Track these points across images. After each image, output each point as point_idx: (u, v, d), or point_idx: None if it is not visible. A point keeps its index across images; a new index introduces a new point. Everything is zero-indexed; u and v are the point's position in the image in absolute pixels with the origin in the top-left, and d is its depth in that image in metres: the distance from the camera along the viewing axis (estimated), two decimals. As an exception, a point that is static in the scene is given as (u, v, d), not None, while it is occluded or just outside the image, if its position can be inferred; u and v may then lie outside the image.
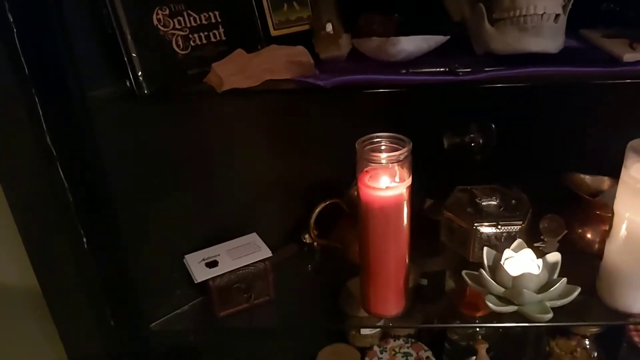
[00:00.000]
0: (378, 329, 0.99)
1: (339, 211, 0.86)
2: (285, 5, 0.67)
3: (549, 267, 0.73)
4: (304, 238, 0.86)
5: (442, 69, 0.60)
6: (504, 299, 0.72)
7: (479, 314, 0.76)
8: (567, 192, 0.85)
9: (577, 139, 0.86)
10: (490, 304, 0.70)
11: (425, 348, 0.96)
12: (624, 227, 0.68)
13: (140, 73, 0.57)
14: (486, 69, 0.59)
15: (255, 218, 0.81)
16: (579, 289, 0.70)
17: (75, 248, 0.63)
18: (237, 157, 0.77)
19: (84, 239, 0.60)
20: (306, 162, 0.84)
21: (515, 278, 0.70)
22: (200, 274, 0.71)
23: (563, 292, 0.70)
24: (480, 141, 0.94)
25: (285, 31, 0.67)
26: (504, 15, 0.61)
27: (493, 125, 0.94)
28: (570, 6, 0.62)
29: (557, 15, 0.59)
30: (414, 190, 0.92)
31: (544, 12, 0.58)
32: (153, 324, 0.74)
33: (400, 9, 0.75)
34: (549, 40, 0.59)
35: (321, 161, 0.86)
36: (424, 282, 0.85)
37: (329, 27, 0.66)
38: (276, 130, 0.81)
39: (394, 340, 0.98)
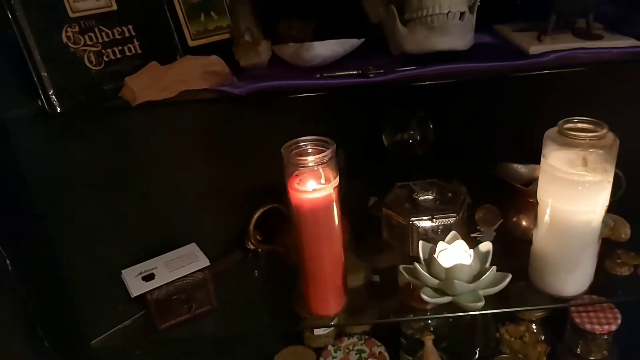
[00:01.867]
0: (332, 329, 1.00)
1: (283, 215, 0.87)
2: (203, 15, 0.67)
3: (481, 257, 0.75)
4: (247, 245, 0.86)
5: (355, 72, 0.61)
6: (439, 291, 0.73)
7: (429, 307, 0.77)
8: (503, 182, 0.87)
9: (509, 130, 0.88)
10: (424, 296, 0.71)
11: (379, 344, 0.98)
12: (547, 214, 0.71)
13: (51, 92, 0.57)
14: (398, 70, 0.60)
15: (195, 228, 0.81)
16: (509, 276, 0.72)
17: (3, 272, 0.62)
18: (170, 168, 0.77)
19: (7, 261, 0.59)
20: (244, 169, 0.85)
21: (447, 269, 0.72)
22: (136, 288, 0.70)
23: (494, 280, 0.72)
24: (418, 137, 0.96)
25: (204, 41, 0.68)
26: (413, 16, 0.62)
27: (429, 121, 0.95)
28: (478, 3, 0.64)
29: (463, 13, 0.60)
30: (359, 189, 0.94)
31: (449, 11, 0.59)
32: (93, 342, 0.74)
33: (322, 13, 0.76)
34: (456, 37, 0.61)
35: (261, 167, 0.86)
36: (376, 278, 0.87)
37: (248, 35, 0.66)
38: (211, 139, 0.81)
39: (348, 339, 0.99)
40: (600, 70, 0.69)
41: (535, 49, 0.62)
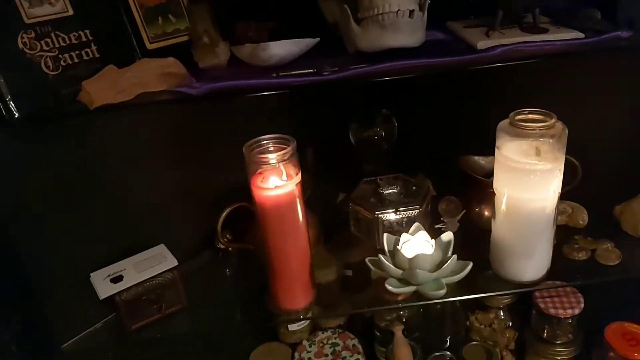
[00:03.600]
0: (306, 324, 1.02)
1: (252, 213, 0.88)
2: (160, 18, 0.68)
3: (443, 247, 0.77)
4: (217, 244, 0.87)
5: (310, 70, 0.62)
6: (403, 281, 0.75)
7: (400, 298, 0.79)
8: (466, 174, 0.90)
9: (469, 124, 0.91)
10: (389, 287, 0.73)
11: (352, 336, 0.99)
12: (503, 203, 0.73)
13: (8, 97, 0.58)
14: (351, 67, 0.62)
15: (163, 230, 0.82)
16: (470, 264, 0.74)
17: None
18: (136, 171, 0.77)
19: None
20: (211, 169, 0.86)
21: (410, 260, 0.74)
22: (104, 290, 0.71)
23: (456, 268, 0.75)
24: (384, 134, 0.98)
25: (162, 44, 0.69)
26: (365, 15, 0.64)
27: (394, 117, 0.97)
28: (428, 1, 0.66)
29: (412, 12, 0.62)
30: (328, 186, 0.96)
31: (399, 9, 0.61)
32: (64, 345, 0.74)
33: (281, 15, 0.77)
34: (407, 35, 0.63)
35: (228, 166, 0.87)
36: (349, 272, 0.88)
37: (206, 37, 0.68)
38: (176, 140, 0.82)
39: (323, 333, 1.00)
40: (549, 62, 0.72)
41: (482, 43, 0.64)
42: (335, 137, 1.00)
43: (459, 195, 0.91)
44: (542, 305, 0.93)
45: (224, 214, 0.82)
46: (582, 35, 0.65)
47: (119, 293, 0.72)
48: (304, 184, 0.72)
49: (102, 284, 0.72)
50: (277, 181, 0.69)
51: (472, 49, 0.65)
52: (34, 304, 0.72)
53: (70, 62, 0.62)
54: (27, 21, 0.60)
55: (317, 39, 0.67)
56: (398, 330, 0.89)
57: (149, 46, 0.68)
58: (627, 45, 0.64)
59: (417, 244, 0.77)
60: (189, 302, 0.79)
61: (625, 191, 0.87)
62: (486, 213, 0.88)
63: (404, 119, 0.96)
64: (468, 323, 1.02)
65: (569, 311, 0.91)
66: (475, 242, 0.83)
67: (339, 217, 0.92)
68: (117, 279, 0.73)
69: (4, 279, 0.66)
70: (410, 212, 0.83)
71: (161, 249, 0.79)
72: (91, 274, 0.75)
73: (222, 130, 0.81)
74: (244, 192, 0.87)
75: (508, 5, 0.66)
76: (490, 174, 0.90)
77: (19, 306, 0.70)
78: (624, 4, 0.66)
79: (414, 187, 0.88)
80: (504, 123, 0.70)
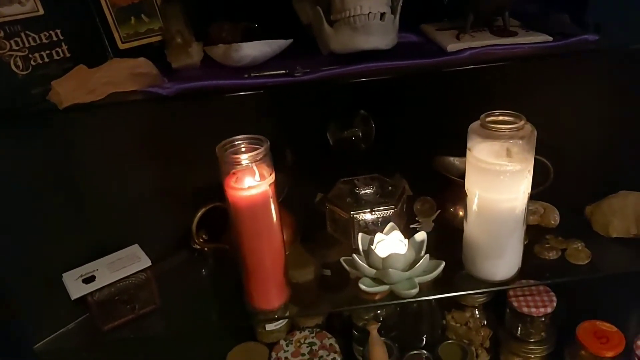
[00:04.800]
0: (284, 324, 1.02)
1: (227, 213, 0.88)
2: (133, 18, 0.68)
3: (416, 246, 0.78)
4: (193, 244, 0.87)
5: (282, 71, 0.63)
6: (377, 280, 0.76)
7: (377, 297, 0.79)
8: (441, 175, 0.91)
9: (444, 125, 0.92)
10: (362, 286, 0.74)
11: (329, 336, 1.00)
12: (475, 203, 0.74)
13: (-24, 97, 0.57)
14: (323, 69, 0.63)
15: (138, 230, 0.81)
16: (443, 263, 0.76)
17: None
18: (108, 171, 0.77)
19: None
20: (185, 170, 0.86)
21: (384, 259, 0.74)
22: (76, 290, 0.71)
23: (428, 267, 0.76)
24: (361, 134, 0.99)
25: (135, 44, 0.69)
26: (338, 17, 0.65)
27: (371, 118, 0.98)
28: (400, 4, 0.67)
29: (383, 14, 0.63)
30: (306, 186, 0.96)
31: (370, 12, 0.62)
32: (36, 345, 0.74)
33: (256, 15, 0.77)
34: (378, 37, 0.63)
35: (202, 167, 0.87)
36: (327, 272, 0.89)
37: (179, 37, 0.68)
38: (149, 141, 0.81)
39: (300, 332, 1.01)
40: (518, 64, 0.73)
41: (452, 46, 0.65)
42: (314, 137, 1.00)
43: (435, 196, 0.92)
44: (515, 304, 0.94)
45: (199, 214, 0.82)
46: (550, 38, 0.67)
47: (91, 293, 0.72)
48: (278, 184, 0.72)
49: (74, 284, 0.72)
50: (251, 181, 0.69)
51: (443, 51, 0.66)
52: (5, 305, 0.71)
53: (41, 62, 0.62)
54: (-5, 20, 0.59)
55: (290, 40, 0.67)
56: (373, 329, 0.90)
57: (121, 46, 0.67)
58: (594, 48, 0.65)
59: (391, 244, 0.77)
60: (163, 302, 0.79)
61: (596, 192, 0.89)
62: (460, 213, 0.89)
63: (381, 119, 0.97)
64: (444, 322, 1.03)
65: (542, 310, 0.93)
66: (450, 241, 0.84)
67: (317, 217, 0.93)
68: (89, 279, 0.73)
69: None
70: (386, 212, 0.84)
71: (135, 249, 0.78)
72: (63, 274, 0.74)
73: (196, 130, 0.81)
74: (219, 192, 0.87)
75: (478, 9, 0.67)
76: (464, 174, 0.92)
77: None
78: (592, 8, 0.68)
79: (390, 188, 0.89)
80: (475, 125, 0.71)
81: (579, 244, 0.83)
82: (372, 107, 0.96)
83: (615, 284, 0.92)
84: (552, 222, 0.88)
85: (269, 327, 1.00)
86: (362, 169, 0.95)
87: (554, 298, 0.94)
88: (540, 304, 0.93)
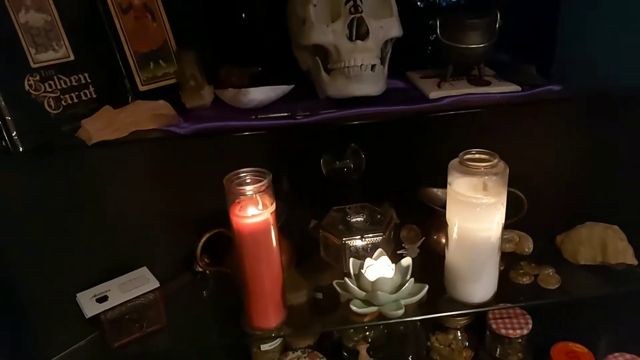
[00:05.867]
0: (278, 344, 1.08)
1: (229, 239, 0.95)
2: (152, 63, 0.76)
3: (402, 270, 0.86)
4: (196, 267, 0.94)
5: (285, 114, 0.71)
6: (367, 302, 0.83)
7: (366, 319, 0.86)
8: (426, 204, 0.99)
9: (428, 159, 1.00)
10: (353, 307, 0.81)
11: (321, 356, 1.06)
12: (455, 232, 0.82)
13: (14, 134, 0.64)
14: (321, 112, 0.71)
15: (147, 253, 0.88)
16: (426, 287, 0.83)
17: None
18: (123, 199, 0.84)
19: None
20: (192, 199, 0.93)
21: (373, 282, 0.82)
22: (90, 309, 0.77)
23: (413, 290, 0.83)
24: (352, 166, 1.07)
25: (153, 86, 0.77)
26: (334, 66, 0.74)
27: (361, 151, 1.07)
28: (389, 56, 0.76)
29: (374, 66, 0.72)
30: (301, 213, 1.04)
31: (362, 64, 0.71)
32: (50, 361, 0.79)
33: (260, 60, 0.86)
34: (369, 85, 0.73)
35: (207, 195, 0.95)
36: (319, 295, 0.95)
37: (193, 81, 0.76)
38: (161, 172, 0.89)
39: (293, 353, 1.07)
40: (490, 110, 0.82)
41: (434, 94, 0.74)
42: (309, 167, 1.08)
43: (420, 223, 1.00)
44: (494, 326, 1.02)
45: (203, 240, 0.89)
46: (519, 88, 0.76)
47: (103, 312, 0.78)
48: (278, 212, 0.80)
49: (89, 303, 0.78)
50: (254, 210, 0.76)
51: (425, 98, 0.75)
52: (22, 321, 0.77)
53: (70, 102, 0.69)
54: (33, 65, 0.67)
55: (292, 86, 0.76)
56: (362, 349, 0.97)
57: (141, 88, 0.76)
58: (558, 98, 0.75)
59: (379, 268, 0.85)
60: (169, 321, 0.85)
61: (566, 222, 0.98)
62: (443, 240, 0.96)
63: (371, 152, 1.06)
64: (429, 343, 1.10)
65: (519, 331, 1.00)
66: (433, 266, 0.91)
67: (311, 242, 1.00)
68: (102, 299, 0.79)
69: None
70: (375, 238, 0.91)
71: (144, 271, 0.85)
72: (78, 294, 0.80)
73: (204, 162, 0.89)
74: (220, 218, 0.94)
75: (457, 61, 0.77)
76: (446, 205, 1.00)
77: (8, 323, 0.75)
78: (557, 61, 0.78)
79: (379, 216, 0.97)
80: (455, 162, 0.80)
81: (550, 270, 0.91)
82: (363, 141, 1.05)
83: (585, 308, 1.00)
84: (527, 249, 0.96)
85: (264, 347, 1.06)
86: (353, 198, 1.03)
87: (530, 321, 1.02)
88: (517, 326, 1.01)
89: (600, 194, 0.95)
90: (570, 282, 0.90)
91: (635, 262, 0.88)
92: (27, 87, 0.66)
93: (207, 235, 0.89)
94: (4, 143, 0.65)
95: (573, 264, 0.93)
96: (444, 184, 0.99)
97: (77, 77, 0.70)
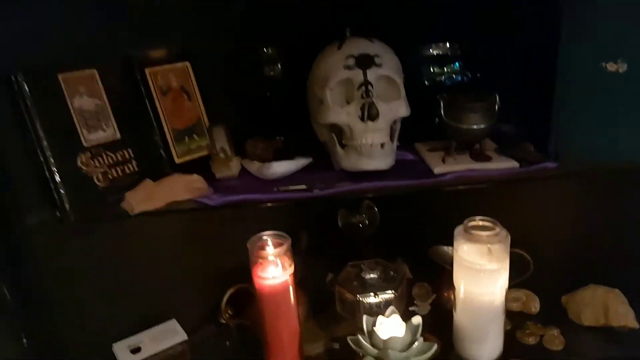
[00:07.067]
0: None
1: (251, 294, 1.02)
2: (187, 137, 0.86)
3: (412, 329, 0.91)
4: (220, 319, 1.01)
5: (304, 186, 0.80)
6: (379, 359, 0.89)
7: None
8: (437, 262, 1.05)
9: (438, 222, 1.06)
10: (365, 364, 0.87)
11: (336, 406, 1.10)
12: (461, 294, 0.88)
13: (67, 206, 0.74)
14: (336, 185, 0.79)
15: (175, 306, 0.96)
16: (435, 346, 0.88)
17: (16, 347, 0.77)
18: (157, 258, 0.93)
19: (24, 340, 0.74)
20: (218, 257, 1.01)
21: (385, 341, 0.87)
22: (125, 359, 0.85)
23: (422, 348, 0.88)
24: (367, 220, 1.14)
25: (187, 158, 0.86)
26: (348, 143, 0.82)
27: (376, 208, 1.13)
28: (397, 132, 0.84)
29: (383, 144, 0.80)
30: (318, 265, 1.10)
31: (372, 142, 0.79)
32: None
33: (284, 131, 0.95)
34: (379, 161, 0.80)
35: (232, 254, 1.02)
36: (336, 346, 1.01)
37: (222, 153, 0.85)
38: (192, 235, 0.98)
39: (310, 402, 1.11)
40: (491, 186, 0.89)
41: (438, 169, 0.82)
42: (326, 223, 1.15)
43: (432, 280, 1.06)
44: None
45: (228, 294, 0.96)
46: (517, 165, 0.83)
47: (137, 362, 0.85)
48: (296, 270, 0.87)
49: (124, 354, 0.86)
50: (274, 271, 0.84)
51: (430, 172, 0.83)
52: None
53: (116, 176, 0.79)
54: (85, 144, 0.77)
55: (310, 159, 0.85)
56: (375, 401, 1.01)
57: (177, 160, 0.85)
58: (553, 174, 0.81)
59: (391, 326, 0.90)
60: (195, 371, 0.92)
61: (573, 282, 1.02)
62: (452, 297, 1.02)
63: (385, 210, 1.13)
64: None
65: (526, 390, 1.03)
66: (444, 323, 0.96)
67: (328, 294, 1.06)
68: (136, 350, 0.87)
69: (42, 345, 0.80)
70: (388, 295, 0.97)
71: (173, 323, 0.93)
72: (114, 345, 0.88)
73: (230, 227, 0.98)
74: (244, 274, 1.02)
75: (460, 139, 0.84)
76: (456, 263, 1.06)
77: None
78: (552, 140, 0.84)
79: (392, 272, 1.02)
80: (459, 229, 0.86)
81: (555, 331, 0.95)
82: (377, 200, 1.11)
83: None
84: (533, 309, 1.00)
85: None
86: (367, 252, 1.09)
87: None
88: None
89: (601, 259, 0.99)
90: (574, 344, 0.93)
91: (637, 326, 0.91)
92: (79, 164, 0.76)
93: (231, 290, 0.96)
94: (58, 213, 0.74)
95: (578, 325, 0.96)
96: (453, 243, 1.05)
97: (122, 153, 0.80)
